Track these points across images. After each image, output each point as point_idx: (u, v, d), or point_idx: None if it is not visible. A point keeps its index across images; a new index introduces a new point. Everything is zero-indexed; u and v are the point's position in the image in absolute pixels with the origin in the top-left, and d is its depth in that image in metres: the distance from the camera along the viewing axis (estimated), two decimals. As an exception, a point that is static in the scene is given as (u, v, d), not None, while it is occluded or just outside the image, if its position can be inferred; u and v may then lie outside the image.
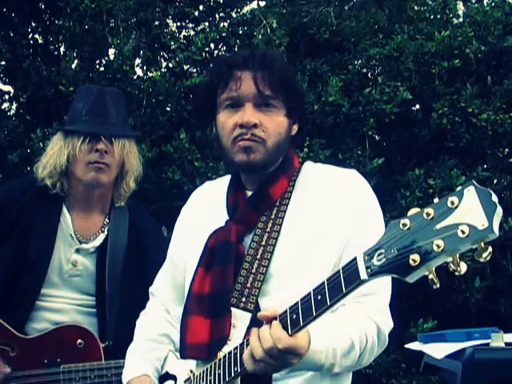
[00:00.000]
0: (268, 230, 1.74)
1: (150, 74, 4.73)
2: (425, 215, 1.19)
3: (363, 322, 1.63)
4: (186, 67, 4.74)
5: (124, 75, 4.45)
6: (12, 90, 4.94)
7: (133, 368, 1.89)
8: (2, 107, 5.02)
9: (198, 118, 1.95)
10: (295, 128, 1.84)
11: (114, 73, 4.48)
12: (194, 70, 4.79)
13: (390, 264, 1.24)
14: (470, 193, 1.16)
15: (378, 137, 4.83)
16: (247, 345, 1.49)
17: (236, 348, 1.56)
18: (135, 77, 4.66)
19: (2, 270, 2.39)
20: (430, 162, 4.56)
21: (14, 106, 5.05)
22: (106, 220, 2.53)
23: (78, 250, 2.45)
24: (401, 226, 1.22)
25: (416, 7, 5.73)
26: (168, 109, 4.57)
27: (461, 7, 5.75)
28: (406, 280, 1.24)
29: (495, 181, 4.50)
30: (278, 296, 1.66)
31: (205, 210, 1.92)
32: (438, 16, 5.32)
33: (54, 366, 2.32)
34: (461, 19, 5.31)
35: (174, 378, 1.83)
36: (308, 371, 1.64)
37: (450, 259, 1.20)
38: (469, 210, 1.14)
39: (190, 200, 2.02)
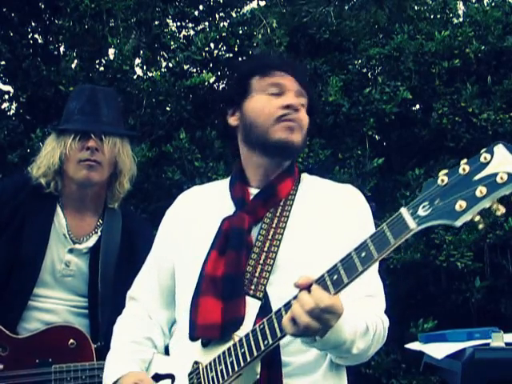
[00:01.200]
0: (274, 225, 1.83)
1: (149, 74, 4.73)
2: (461, 171, 1.36)
3: (372, 314, 1.73)
4: (185, 67, 4.74)
5: (124, 75, 4.45)
6: (12, 90, 4.94)
7: (117, 369, 1.84)
8: (2, 107, 5.02)
9: (227, 101, 1.96)
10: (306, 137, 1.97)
11: (113, 73, 4.48)
12: (194, 70, 4.79)
13: (438, 212, 1.37)
14: (500, 149, 1.33)
15: (378, 137, 4.83)
16: (278, 316, 1.57)
17: (262, 323, 1.61)
18: (135, 77, 4.66)
19: None
20: (430, 162, 4.56)
21: (14, 105, 5.05)
22: (100, 221, 2.52)
23: (71, 250, 2.45)
24: (439, 182, 1.38)
25: (416, 7, 5.72)
26: (168, 109, 4.57)
27: (461, 7, 5.75)
28: (455, 224, 1.36)
29: (495, 181, 4.50)
30: (284, 286, 1.70)
31: (198, 210, 1.97)
32: (438, 16, 5.32)
33: (46, 366, 2.32)
34: (461, 19, 5.31)
35: (168, 377, 1.82)
36: (324, 355, 1.74)
37: (490, 204, 1.33)
38: (502, 161, 1.31)
39: (176, 204, 2.06)
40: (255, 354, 1.61)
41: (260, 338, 1.61)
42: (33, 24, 5.07)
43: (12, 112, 5.04)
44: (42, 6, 5.02)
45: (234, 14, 5.91)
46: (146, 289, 2.00)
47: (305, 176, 2.00)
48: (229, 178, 2.04)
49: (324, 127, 4.47)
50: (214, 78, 4.70)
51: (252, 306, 1.73)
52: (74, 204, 2.48)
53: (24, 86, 4.65)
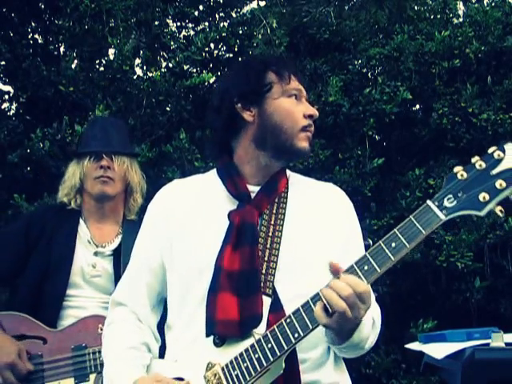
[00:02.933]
0: (272, 222, 1.84)
1: (149, 74, 4.72)
2: (478, 166, 1.55)
3: (372, 306, 1.73)
4: (185, 67, 4.73)
5: (124, 75, 4.45)
6: (12, 90, 4.93)
7: (127, 375, 1.79)
8: (2, 107, 5.02)
9: (242, 94, 1.90)
10: None
11: (113, 73, 4.48)
12: (194, 70, 4.79)
13: (463, 203, 1.54)
14: (511, 147, 1.53)
15: (378, 137, 4.83)
16: (306, 309, 1.60)
17: (289, 317, 1.63)
18: (135, 77, 4.66)
19: (31, 277, 2.76)
20: (430, 162, 4.56)
21: (14, 105, 5.05)
22: (120, 229, 2.91)
23: (96, 253, 2.82)
24: (459, 177, 1.55)
25: (416, 7, 5.72)
26: (168, 109, 4.57)
27: (461, 7, 5.74)
28: (481, 214, 1.53)
29: (495, 181, 4.50)
30: (289, 283, 1.76)
31: (189, 204, 1.91)
32: (438, 16, 5.31)
33: (81, 349, 2.64)
34: (461, 19, 5.31)
35: (177, 380, 1.76)
36: (330, 350, 1.80)
37: (509, 193, 1.52)
38: None
39: (160, 199, 1.99)
40: (285, 347, 1.62)
41: (289, 331, 1.62)
42: (33, 24, 5.07)
43: (12, 112, 5.04)
44: (42, 6, 5.02)
45: (234, 14, 5.91)
46: (135, 293, 1.94)
47: (289, 173, 2.00)
48: (210, 172, 2.01)
49: (324, 127, 4.47)
50: (213, 78, 4.70)
51: (264, 302, 1.74)
52: (94, 216, 2.89)
53: (24, 86, 4.65)
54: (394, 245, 1.56)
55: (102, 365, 2.37)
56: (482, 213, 1.53)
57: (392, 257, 1.56)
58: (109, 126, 2.92)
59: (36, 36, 5.11)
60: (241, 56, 4.84)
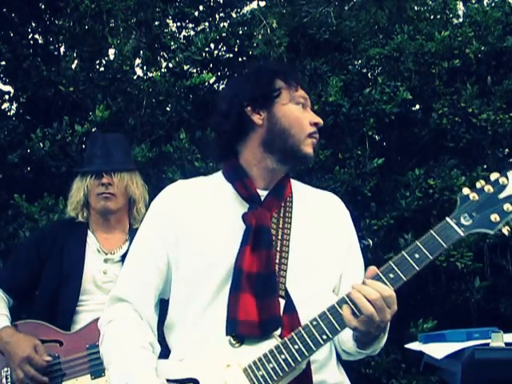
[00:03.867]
0: (281, 226, 1.89)
1: (149, 74, 4.73)
2: (486, 190, 1.75)
3: None
4: (186, 67, 4.73)
5: (124, 75, 4.45)
6: (12, 90, 4.94)
7: (149, 379, 1.74)
8: (2, 107, 5.02)
9: (252, 97, 1.94)
10: None
11: (114, 73, 4.48)
12: (194, 70, 4.79)
13: (478, 222, 1.75)
14: None
15: (377, 137, 4.83)
16: (333, 312, 1.69)
17: (315, 320, 1.70)
18: (135, 77, 4.66)
19: (46, 287, 2.93)
20: (430, 162, 4.56)
21: (14, 106, 5.05)
22: (127, 237, 3.05)
23: (105, 260, 2.96)
24: (471, 199, 1.75)
25: (416, 7, 5.73)
26: (168, 109, 4.57)
27: (461, 7, 5.75)
28: (491, 232, 1.78)
29: (495, 181, 4.50)
30: (299, 285, 1.82)
31: (197, 205, 1.92)
32: (438, 16, 5.32)
33: (95, 347, 2.70)
34: (461, 19, 5.31)
35: (190, 381, 1.75)
36: (332, 351, 1.87)
37: None
38: None
39: (166, 199, 1.99)
40: (314, 349, 1.70)
41: (316, 333, 1.69)
42: (33, 24, 5.07)
43: (12, 112, 5.04)
44: (42, 6, 5.02)
45: (234, 15, 5.91)
46: (140, 291, 1.91)
47: (292, 180, 2.05)
48: (216, 174, 2.03)
49: (324, 127, 4.44)
50: (214, 78, 4.70)
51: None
52: (101, 228, 3.04)
53: (24, 86, 4.65)
54: (417, 256, 1.72)
55: None
56: (493, 231, 1.77)
57: (416, 267, 1.71)
58: (109, 143, 3.06)
59: (36, 36, 5.11)
60: (241, 56, 4.84)
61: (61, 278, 2.92)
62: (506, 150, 4.80)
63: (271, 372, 1.69)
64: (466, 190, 1.77)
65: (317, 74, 4.73)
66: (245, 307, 1.74)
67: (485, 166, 4.53)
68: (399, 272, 1.70)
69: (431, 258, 1.71)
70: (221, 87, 5.01)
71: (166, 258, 1.90)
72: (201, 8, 5.76)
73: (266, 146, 1.91)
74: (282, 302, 1.78)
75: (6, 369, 2.78)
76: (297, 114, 1.93)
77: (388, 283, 1.69)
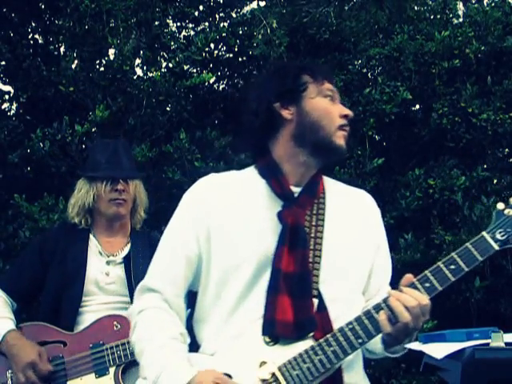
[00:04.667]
0: (314, 223, 1.88)
1: (150, 74, 4.73)
2: None
3: None
4: (186, 67, 4.74)
5: (124, 75, 4.45)
6: (12, 90, 4.93)
7: (183, 370, 1.75)
8: (2, 107, 5.02)
9: (280, 93, 1.95)
10: None
11: (114, 73, 4.48)
12: (194, 70, 4.79)
13: None
14: None
15: (378, 137, 4.84)
16: (369, 317, 1.73)
17: (350, 323, 1.74)
18: (135, 77, 4.66)
19: (50, 290, 2.94)
20: (430, 162, 4.57)
21: (14, 105, 5.05)
22: (128, 239, 3.09)
23: (108, 262, 2.99)
24: (506, 214, 1.82)
25: (416, 7, 5.73)
26: (168, 109, 4.57)
27: (461, 7, 5.76)
28: None
29: (495, 181, 4.50)
30: (330, 285, 1.83)
31: (230, 199, 1.91)
32: (438, 16, 5.32)
33: (99, 346, 2.81)
34: (461, 19, 5.31)
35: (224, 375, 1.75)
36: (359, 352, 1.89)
37: None
38: None
39: (199, 191, 1.97)
40: (349, 351, 1.73)
41: (352, 337, 1.73)
42: (33, 24, 5.07)
43: (12, 112, 5.04)
44: (42, 6, 5.02)
45: (234, 15, 5.91)
46: (170, 281, 1.90)
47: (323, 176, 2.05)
48: (248, 169, 2.01)
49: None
50: (214, 78, 4.70)
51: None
52: (104, 233, 3.06)
53: (24, 86, 4.66)
54: (453, 267, 1.78)
55: (119, 358, 2.79)
56: None
57: (452, 277, 1.77)
58: (119, 149, 3.09)
59: (36, 36, 5.11)
60: (241, 56, 4.84)
61: (64, 280, 2.94)
62: (506, 149, 4.80)
63: (306, 372, 1.72)
64: (500, 205, 1.84)
65: (317, 74, 4.73)
66: (282, 308, 1.76)
67: (485, 166, 4.53)
68: (435, 281, 1.76)
69: (466, 269, 1.78)
70: (221, 87, 5.02)
71: (197, 250, 1.89)
72: (201, 8, 5.76)
73: (297, 140, 1.91)
74: (316, 301, 1.80)
75: (10, 370, 2.80)
76: (326, 106, 1.92)
77: (424, 292, 1.74)
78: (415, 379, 4.25)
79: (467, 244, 1.81)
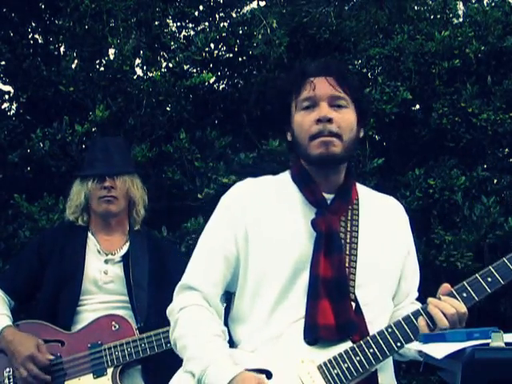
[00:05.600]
0: (349, 229, 1.94)
1: (149, 74, 4.72)
2: None
3: None
4: (186, 67, 4.73)
5: (124, 75, 4.45)
6: (12, 90, 4.93)
7: (227, 367, 1.79)
8: (2, 107, 5.01)
9: (274, 121, 2.15)
10: (362, 132, 2.07)
11: (113, 73, 4.47)
12: (194, 70, 4.79)
13: None
14: None
15: (377, 137, 4.83)
16: (408, 323, 1.81)
17: (390, 327, 1.81)
18: (135, 77, 4.65)
19: (48, 289, 2.95)
20: (429, 162, 4.56)
21: (14, 106, 5.04)
22: (127, 238, 3.08)
23: (106, 261, 2.99)
24: None
25: (416, 7, 5.72)
26: (168, 109, 4.56)
27: (461, 7, 5.75)
28: None
29: (495, 181, 4.50)
30: (366, 289, 1.89)
31: (265, 205, 1.97)
32: (438, 16, 5.32)
33: (97, 347, 2.81)
34: (461, 19, 5.31)
35: (262, 372, 1.80)
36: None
37: None
38: None
39: (236, 195, 2.04)
40: (388, 354, 1.81)
41: (391, 340, 1.81)
42: (33, 24, 5.07)
43: (12, 112, 5.03)
44: (42, 6, 5.01)
45: (234, 14, 5.90)
46: (209, 280, 1.95)
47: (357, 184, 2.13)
48: (284, 173, 2.08)
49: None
50: (214, 78, 4.70)
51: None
52: (101, 230, 3.06)
53: (24, 86, 4.65)
54: (489, 279, 1.87)
55: (117, 359, 2.79)
56: None
57: (488, 289, 1.87)
58: (110, 146, 3.08)
59: (36, 36, 5.10)
60: (241, 56, 4.84)
61: (62, 279, 2.94)
62: (506, 149, 4.79)
63: (346, 372, 1.78)
64: None
65: (317, 74, 4.72)
66: (323, 312, 1.81)
67: (485, 166, 4.53)
68: (472, 292, 1.86)
69: (503, 283, 1.87)
70: (221, 87, 5.01)
71: (235, 250, 1.95)
72: (201, 8, 5.75)
73: (301, 158, 2.01)
74: (353, 304, 1.86)
75: (8, 369, 2.80)
76: (299, 120, 1.96)
77: (461, 301, 1.84)
78: (415, 379, 4.25)
79: (504, 258, 1.90)
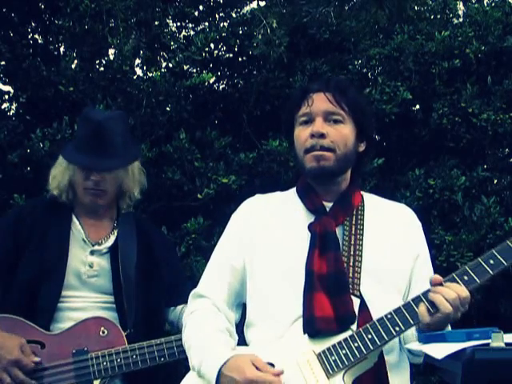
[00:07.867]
0: (353, 232, 2.03)
1: (149, 74, 4.72)
2: None
3: None
4: (185, 67, 4.73)
5: (124, 75, 4.45)
6: (12, 90, 4.93)
7: (220, 353, 1.85)
8: (2, 107, 5.01)
9: (284, 133, 2.27)
10: (362, 146, 2.15)
11: (113, 73, 4.47)
12: (194, 70, 4.79)
13: None
14: None
15: (378, 137, 4.83)
16: (407, 308, 1.84)
17: (390, 313, 1.86)
18: (135, 77, 4.65)
19: (24, 279, 2.58)
20: (430, 162, 4.56)
21: (14, 106, 5.04)
22: (115, 224, 2.78)
23: (92, 252, 2.68)
24: None
25: (416, 7, 5.72)
26: (168, 109, 4.56)
27: (461, 7, 5.74)
28: None
29: (495, 181, 4.50)
30: (371, 287, 1.97)
31: (269, 216, 2.13)
32: (438, 16, 5.31)
33: (83, 354, 2.50)
34: (461, 19, 5.30)
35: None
36: (406, 358, 2.13)
37: None
38: None
39: (244, 210, 2.21)
40: (386, 338, 1.85)
41: (390, 325, 1.85)
42: (33, 24, 5.07)
43: (12, 112, 5.03)
44: (42, 6, 5.01)
45: (234, 14, 5.89)
46: (216, 288, 2.10)
47: (363, 192, 2.22)
48: (291, 190, 2.22)
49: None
50: (214, 78, 4.70)
51: (353, 302, 1.93)
52: (87, 213, 2.73)
53: (24, 86, 4.65)
54: (492, 262, 1.86)
55: (106, 370, 2.47)
56: None
57: (491, 271, 1.86)
58: (106, 128, 2.60)
59: (36, 36, 5.10)
60: (241, 56, 4.84)
61: (41, 270, 2.58)
62: (506, 149, 4.79)
63: (343, 357, 1.83)
64: None
65: (317, 74, 4.72)
66: (320, 305, 1.89)
67: (485, 166, 4.53)
68: (473, 275, 1.86)
69: (505, 264, 1.85)
70: (221, 87, 5.01)
71: (242, 260, 2.11)
72: (201, 8, 5.75)
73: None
74: (357, 300, 1.92)
75: None
76: (297, 135, 2.10)
77: (462, 284, 1.85)
78: (415, 379, 4.24)
79: (507, 241, 1.88)
